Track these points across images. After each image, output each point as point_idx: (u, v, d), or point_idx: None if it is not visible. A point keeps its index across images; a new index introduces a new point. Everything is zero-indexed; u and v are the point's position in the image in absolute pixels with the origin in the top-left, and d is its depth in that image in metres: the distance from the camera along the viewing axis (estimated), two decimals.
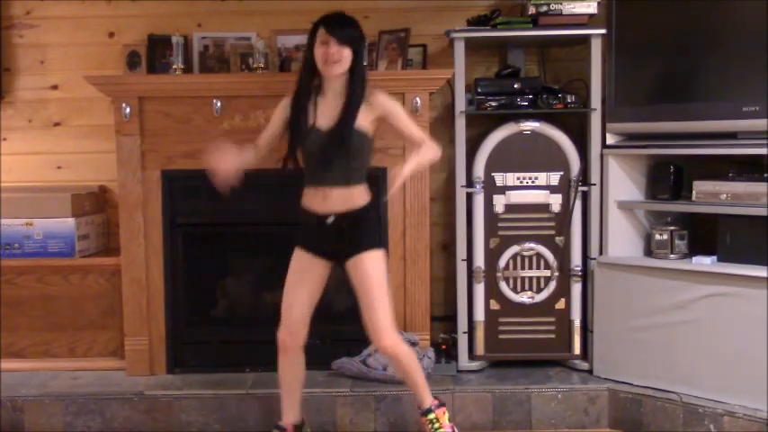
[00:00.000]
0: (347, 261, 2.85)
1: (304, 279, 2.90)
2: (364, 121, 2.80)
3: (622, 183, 3.41)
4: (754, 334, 2.99)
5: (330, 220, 2.82)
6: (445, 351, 3.58)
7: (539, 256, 3.49)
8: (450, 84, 3.50)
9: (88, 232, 3.72)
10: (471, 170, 3.46)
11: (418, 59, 3.73)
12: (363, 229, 2.86)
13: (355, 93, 2.80)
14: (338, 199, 2.81)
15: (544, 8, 3.39)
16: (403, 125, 2.86)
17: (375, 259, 2.84)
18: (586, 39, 3.41)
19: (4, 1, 3.86)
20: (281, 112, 2.92)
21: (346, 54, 2.77)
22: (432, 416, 2.93)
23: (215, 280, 3.82)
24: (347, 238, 2.83)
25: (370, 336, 2.87)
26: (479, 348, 3.51)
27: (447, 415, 2.98)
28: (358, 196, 2.84)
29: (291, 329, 2.90)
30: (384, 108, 2.83)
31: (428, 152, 2.85)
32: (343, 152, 2.78)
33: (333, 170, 2.80)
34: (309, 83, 2.85)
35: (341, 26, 2.79)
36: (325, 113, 2.82)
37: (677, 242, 3.29)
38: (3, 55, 3.86)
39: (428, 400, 2.96)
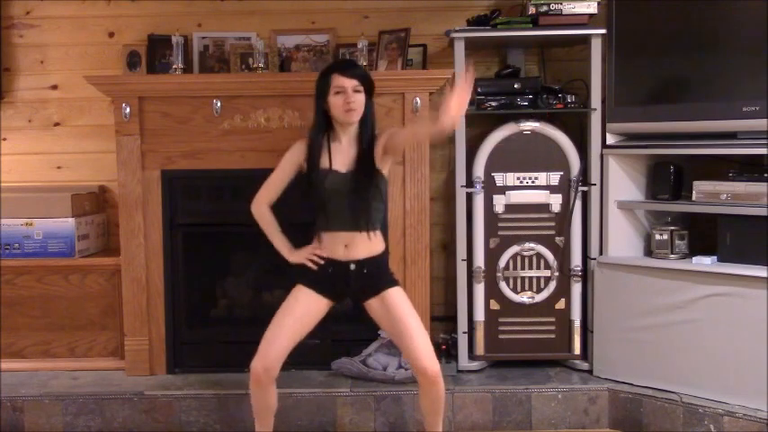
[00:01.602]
0: (367, 300, 2.86)
1: (300, 317, 2.86)
2: (379, 161, 2.83)
3: (622, 183, 3.41)
4: (754, 334, 2.99)
5: (352, 267, 2.84)
6: (445, 351, 3.59)
7: (539, 256, 3.49)
8: (450, 84, 3.49)
9: (88, 232, 3.72)
10: (471, 170, 3.46)
11: (418, 59, 3.73)
12: (383, 271, 2.89)
13: (372, 134, 2.84)
14: (360, 246, 2.83)
15: (544, 8, 3.39)
16: (403, 129, 2.88)
17: (399, 292, 2.87)
18: (586, 39, 3.42)
19: (4, 1, 3.86)
20: (294, 157, 2.90)
21: (362, 100, 2.80)
22: None
23: (215, 280, 3.82)
24: (368, 282, 2.85)
25: (415, 366, 2.81)
26: (479, 348, 3.51)
27: None
28: (377, 243, 2.87)
29: (267, 364, 2.83)
30: (386, 137, 2.83)
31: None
32: (365, 194, 2.80)
33: (355, 214, 2.81)
34: (323, 130, 2.86)
35: (354, 70, 2.82)
36: (340, 157, 2.84)
37: (677, 242, 3.29)
38: (3, 55, 3.87)
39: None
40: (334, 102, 2.80)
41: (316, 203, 2.86)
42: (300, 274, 2.90)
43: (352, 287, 2.87)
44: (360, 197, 2.80)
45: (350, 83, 2.78)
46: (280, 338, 2.84)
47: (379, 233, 2.89)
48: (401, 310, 2.83)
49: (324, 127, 2.86)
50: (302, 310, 2.87)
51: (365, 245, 2.84)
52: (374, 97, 2.90)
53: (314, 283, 2.87)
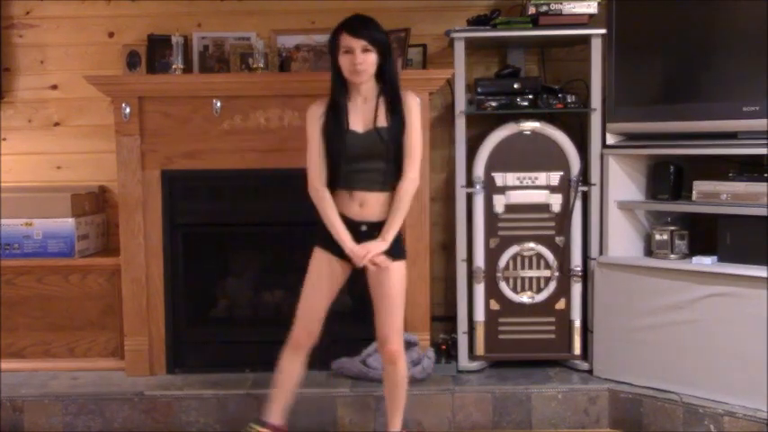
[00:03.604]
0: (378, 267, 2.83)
1: (326, 281, 2.86)
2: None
3: (622, 183, 3.41)
4: (754, 334, 2.99)
5: (363, 228, 2.80)
6: (445, 351, 3.58)
7: (539, 256, 3.49)
8: (450, 84, 3.50)
9: (88, 232, 3.72)
10: (471, 170, 3.46)
11: (418, 59, 3.73)
12: (394, 240, 2.84)
13: (393, 93, 2.77)
14: (375, 206, 2.79)
15: (544, 8, 3.39)
16: (407, 140, 2.78)
17: (399, 269, 2.84)
18: (586, 39, 3.42)
19: (4, 1, 3.86)
20: (315, 125, 2.81)
21: (371, 60, 2.72)
22: None
23: (215, 280, 3.82)
24: None
25: (379, 336, 2.86)
26: (479, 348, 3.51)
27: None
28: (390, 206, 2.82)
29: (310, 329, 2.87)
30: (407, 112, 2.78)
31: (406, 187, 2.79)
32: (382, 154, 2.76)
33: (370, 173, 2.77)
34: (342, 88, 2.79)
35: (363, 30, 2.72)
36: (358, 117, 2.78)
37: (677, 242, 3.29)
38: (3, 55, 3.86)
39: (399, 425, 2.96)
40: (343, 62, 2.73)
41: (331, 162, 2.78)
42: (318, 236, 2.86)
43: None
44: (378, 157, 2.76)
45: (358, 43, 2.69)
46: (314, 304, 2.86)
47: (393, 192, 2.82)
48: (393, 290, 2.82)
49: (340, 86, 2.79)
50: (323, 272, 2.85)
51: (380, 206, 2.79)
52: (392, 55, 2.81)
53: (326, 243, 2.83)
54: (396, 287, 2.83)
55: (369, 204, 2.79)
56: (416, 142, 2.80)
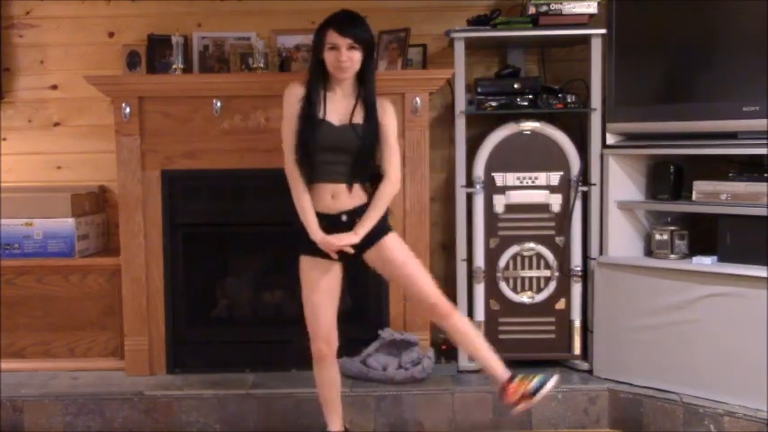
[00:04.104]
0: (365, 253, 2.82)
1: (321, 286, 2.84)
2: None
3: (622, 183, 3.41)
4: (754, 334, 2.99)
5: (344, 218, 2.79)
6: (445, 351, 3.58)
7: (539, 256, 3.49)
8: (450, 84, 3.50)
9: (88, 232, 3.72)
10: (471, 170, 3.46)
11: (418, 59, 3.73)
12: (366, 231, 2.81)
13: (369, 95, 2.77)
14: (345, 197, 2.78)
15: (544, 8, 3.39)
16: (385, 142, 2.79)
17: (392, 240, 2.83)
18: (586, 39, 3.42)
19: (5, 1, 3.86)
20: (293, 106, 2.78)
21: (356, 58, 2.73)
22: (519, 378, 2.78)
23: (215, 280, 3.82)
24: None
25: (426, 308, 2.84)
26: None
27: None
28: (360, 195, 2.81)
29: (325, 338, 2.86)
30: (384, 116, 2.79)
31: (386, 190, 2.80)
32: (355, 149, 2.75)
33: (339, 165, 2.76)
34: (319, 81, 2.79)
35: (350, 29, 2.72)
36: (334, 108, 2.77)
37: (677, 242, 3.29)
38: (3, 55, 3.87)
39: (503, 371, 2.82)
40: (327, 57, 2.73)
41: (302, 152, 2.76)
42: (301, 244, 2.84)
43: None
44: (349, 151, 2.75)
45: (344, 41, 2.70)
46: (318, 313, 2.84)
47: (360, 186, 2.81)
48: (399, 257, 2.81)
49: (319, 77, 2.79)
50: (315, 278, 2.83)
51: (351, 196, 2.78)
52: (374, 56, 2.83)
53: (310, 248, 2.81)
54: (400, 254, 2.82)
55: (340, 195, 2.78)
56: (394, 144, 2.82)
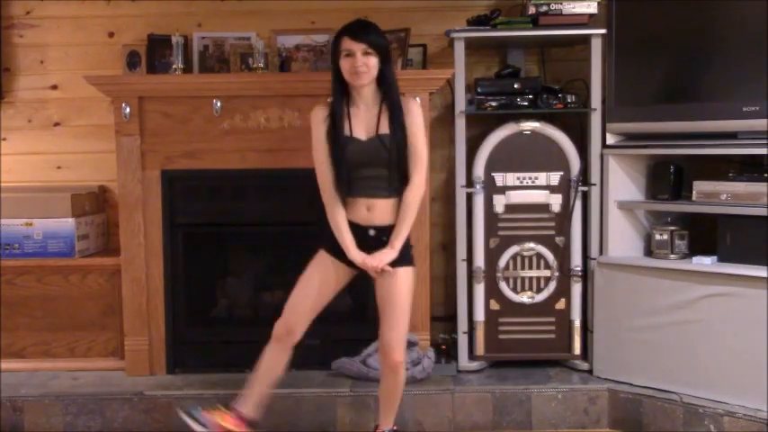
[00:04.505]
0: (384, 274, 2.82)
1: (321, 281, 2.85)
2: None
3: (622, 183, 3.41)
4: (754, 334, 2.99)
5: (371, 233, 2.80)
6: (445, 351, 3.58)
7: (539, 256, 3.49)
8: (450, 84, 3.50)
9: (88, 232, 3.72)
10: (471, 170, 3.46)
11: (418, 59, 3.73)
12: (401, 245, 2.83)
13: (393, 99, 2.78)
14: (382, 211, 2.79)
15: (544, 8, 3.39)
16: (412, 146, 2.78)
17: (407, 276, 2.83)
18: (586, 39, 3.42)
19: (4, 1, 3.86)
20: (320, 125, 2.81)
21: (372, 63, 2.73)
22: None
23: (215, 280, 3.82)
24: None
25: (382, 344, 2.83)
26: (479, 348, 3.51)
27: None
28: (397, 210, 2.81)
29: (290, 326, 2.85)
30: (408, 116, 2.79)
31: (410, 196, 2.79)
32: (385, 161, 2.76)
33: (374, 180, 2.77)
34: (342, 94, 2.80)
35: (364, 35, 2.74)
36: (360, 124, 2.79)
37: (677, 242, 3.29)
38: (3, 55, 3.87)
39: (390, 424, 2.99)
40: (343, 65, 2.74)
41: (335, 172, 2.78)
42: (323, 238, 2.85)
43: (369, 254, 2.80)
44: (381, 164, 2.76)
45: (358, 46, 2.71)
46: (301, 300, 2.85)
47: (399, 199, 2.80)
48: (400, 297, 2.81)
49: (341, 91, 2.80)
50: (322, 272, 2.85)
51: (387, 211, 2.79)
52: (391, 62, 2.82)
53: (332, 246, 2.83)
54: (402, 295, 2.82)
55: (376, 208, 2.79)
56: (421, 148, 2.81)
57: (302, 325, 2.87)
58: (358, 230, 2.81)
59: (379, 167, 2.77)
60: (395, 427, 3.01)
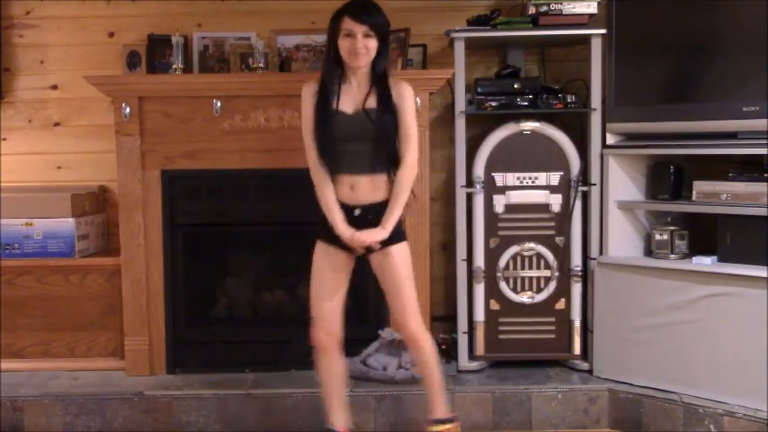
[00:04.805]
0: (372, 252, 2.81)
1: (331, 274, 2.83)
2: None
3: (622, 183, 3.41)
4: (754, 334, 2.99)
5: (357, 212, 2.78)
6: (445, 351, 3.58)
7: (539, 256, 3.49)
8: (450, 84, 3.50)
9: (88, 232, 3.72)
10: (471, 170, 3.46)
11: (418, 59, 3.73)
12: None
13: (383, 75, 2.77)
14: (366, 189, 2.77)
15: (544, 8, 3.39)
16: (402, 125, 2.77)
17: (401, 251, 2.81)
18: (586, 39, 3.42)
19: (4, 1, 3.86)
20: (309, 100, 2.80)
21: (372, 45, 2.72)
22: (441, 428, 2.88)
23: (215, 280, 3.82)
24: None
25: (395, 321, 2.85)
26: (479, 348, 3.51)
27: None
28: (382, 191, 2.79)
29: (327, 328, 2.84)
30: (400, 99, 2.77)
31: (403, 176, 2.77)
32: (371, 136, 2.74)
33: (359, 155, 2.75)
34: (335, 71, 2.78)
35: (366, 16, 2.71)
36: (349, 99, 2.77)
37: (677, 242, 3.29)
38: (3, 55, 3.86)
39: (441, 410, 2.91)
40: (342, 44, 2.72)
41: (320, 144, 2.77)
42: (318, 230, 2.85)
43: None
44: (366, 139, 2.74)
45: (360, 28, 2.70)
46: (323, 300, 2.83)
47: (385, 176, 2.79)
48: (399, 274, 2.79)
49: (334, 68, 2.78)
50: (326, 265, 2.83)
51: (371, 188, 2.77)
52: (389, 44, 2.83)
53: (326, 234, 2.81)
54: (401, 269, 2.80)
55: (360, 187, 2.77)
56: (412, 128, 2.79)
57: (336, 323, 2.86)
58: (344, 210, 2.79)
59: (364, 142, 2.75)
60: (450, 415, 2.91)
